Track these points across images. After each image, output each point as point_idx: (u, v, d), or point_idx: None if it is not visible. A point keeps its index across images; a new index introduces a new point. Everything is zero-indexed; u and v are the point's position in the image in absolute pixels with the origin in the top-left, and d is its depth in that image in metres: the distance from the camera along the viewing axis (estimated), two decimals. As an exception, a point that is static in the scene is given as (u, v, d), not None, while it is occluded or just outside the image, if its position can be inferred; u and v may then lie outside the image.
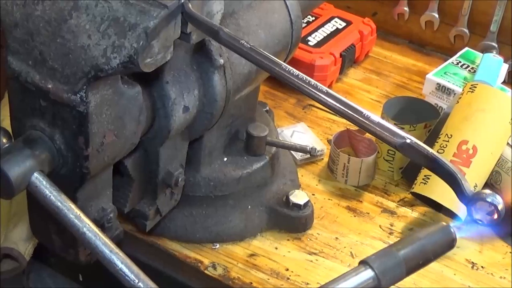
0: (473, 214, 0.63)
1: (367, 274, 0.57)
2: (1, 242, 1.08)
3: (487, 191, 0.63)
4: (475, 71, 1.28)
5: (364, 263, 0.58)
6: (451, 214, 1.06)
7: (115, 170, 0.82)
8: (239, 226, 1.05)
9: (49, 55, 0.71)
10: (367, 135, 1.18)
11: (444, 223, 0.60)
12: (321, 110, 1.31)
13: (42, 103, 0.73)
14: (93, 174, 0.76)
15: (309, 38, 1.39)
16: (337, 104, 0.69)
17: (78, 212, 0.70)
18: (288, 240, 1.06)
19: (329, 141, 1.23)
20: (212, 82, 0.87)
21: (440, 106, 1.26)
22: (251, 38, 0.93)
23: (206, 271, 1.00)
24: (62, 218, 0.70)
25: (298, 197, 1.06)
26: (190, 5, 0.73)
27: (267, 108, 1.22)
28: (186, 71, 0.85)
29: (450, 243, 0.60)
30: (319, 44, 1.38)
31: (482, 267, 1.04)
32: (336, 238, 1.07)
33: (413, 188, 1.10)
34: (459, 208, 1.04)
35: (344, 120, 0.69)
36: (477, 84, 1.13)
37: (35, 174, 0.72)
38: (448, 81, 1.26)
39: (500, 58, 1.28)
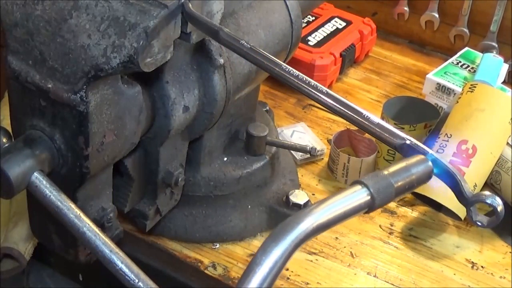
0: (473, 216, 0.63)
1: (363, 192, 0.61)
2: (1, 242, 1.08)
3: (487, 192, 0.63)
4: (475, 71, 1.28)
5: (359, 182, 0.62)
6: (451, 214, 1.06)
7: (115, 170, 0.82)
8: (239, 226, 1.05)
9: (49, 55, 0.71)
10: (367, 134, 1.18)
11: (423, 156, 0.64)
12: (321, 110, 1.32)
13: (42, 103, 0.73)
14: (93, 174, 0.76)
15: (309, 38, 1.39)
16: (337, 105, 0.69)
17: (78, 212, 0.70)
18: (288, 240, 1.06)
19: (329, 141, 1.23)
20: (212, 82, 0.87)
21: (440, 106, 1.26)
22: (251, 38, 0.93)
23: (206, 271, 1.00)
24: (62, 218, 0.70)
25: (298, 197, 1.06)
26: (190, 5, 0.73)
27: (267, 108, 1.22)
28: (186, 71, 0.85)
29: (429, 174, 0.64)
30: (319, 44, 1.38)
31: (482, 267, 1.04)
32: (336, 238, 1.07)
33: (413, 188, 1.10)
34: (459, 207, 1.04)
35: (344, 120, 0.69)
36: (476, 84, 1.13)
37: (35, 174, 0.72)
38: (448, 81, 1.26)
39: (500, 58, 1.29)
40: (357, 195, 0.61)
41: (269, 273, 0.56)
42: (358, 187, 0.61)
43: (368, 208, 0.62)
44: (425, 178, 0.64)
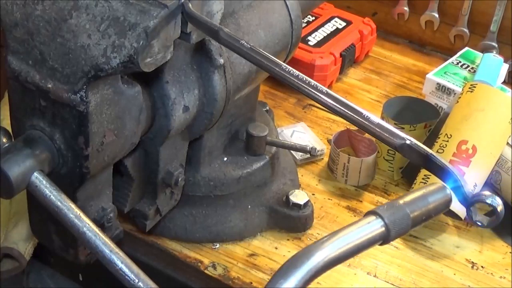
0: (473, 216, 0.63)
1: (378, 223, 0.59)
2: (1, 242, 1.08)
3: (487, 192, 0.63)
4: (475, 71, 1.28)
5: (373, 213, 0.59)
6: (451, 214, 1.06)
7: (115, 170, 0.82)
8: (239, 226, 1.05)
9: (49, 55, 0.71)
10: (367, 134, 1.18)
11: (441, 184, 0.62)
12: (321, 110, 1.32)
13: (42, 103, 0.73)
14: (93, 173, 0.76)
15: (309, 38, 1.39)
16: (337, 105, 0.69)
17: (78, 212, 0.70)
18: (288, 240, 1.06)
19: (329, 141, 1.23)
20: (212, 82, 0.87)
21: (440, 106, 1.26)
22: (251, 38, 0.93)
23: (206, 271, 1.00)
24: (62, 218, 0.70)
25: (298, 197, 1.06)
26: (190, 5, 0.73)
27: (267, 108, 1.22)
28: (186, 71, 0.85)
29: (447, 203, 0.62)
30: (319, 44, 1.38)
31: (482, 267, 1.04)
32: (336, 238, 1.07)
33: (413, 187, 1.10)
34: (458, 207, 1.04)
35: (344, 120, 0.69)
36: (476, 84, 1.13)
37: (35, 174, 0.72)
38: (448, 81, 1.26)
39: (500, 58, 1.28)
40: (371, 227, 0.59)
41: None
42: (372, 217, 0.59)
43: (382, 240, 0.59)
44: (443, 207, 0.61)
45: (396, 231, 0.59)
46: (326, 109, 0.70)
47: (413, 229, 0.61)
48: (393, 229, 0.59)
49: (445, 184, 0.62)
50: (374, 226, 0.59)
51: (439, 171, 0.64)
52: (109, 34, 0.69)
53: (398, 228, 0.59)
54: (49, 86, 0.72)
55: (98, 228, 0.70)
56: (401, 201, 0.60)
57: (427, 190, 0.62)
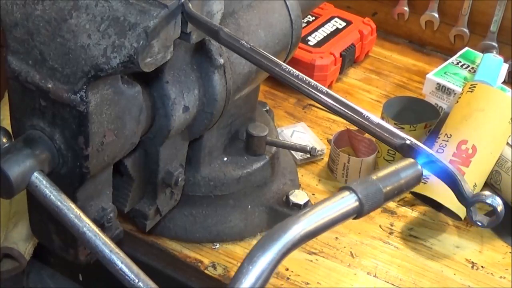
0: (473, 216, 0.63)
1: (351, 198, 0.61)
2: (1, 242, 1.08)
3: (487, 192, 0.63)
4: (475, 71, 1.28)
5: (347, 188, 0.61)
6: (451, 214, 1.06)
7: (115, 170, 0.82)
8: (239, 226, 1.05)
9: (49, 55, 0.71)
10: (367, 134, 1.18)
11: (413, 160, 0.64)
12: (321, 110, 1.32)
13: (42, 103, 0.73)
14: (93, 173, 0.76)
15: (309, 38, 1.39)
16: (337, 105, 0.69)
17: (78, 211, 0.70)
18: (288, 240, 1.06)
19: (329, 141, 1.23)
20: (212, 82, 0.87)
21: (440, 106, 1.26)
22: (251, 38, 0.93)
23: (206, 271, 1.00)
24: (62, 218, 0.70)
25: (298, 197, 1.06)
26: (190, 5, 0.73)
27: (267, 108, 1.22)
28: (186, 71, 0.85)
29: (418, 178, 0.64)
30: (319, 44, 1.38)
31: (482, 267, 1.04)
32: (336, 238, 1.07)
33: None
34: (459, 207, 1.04)
35: (344, 120, 0.69)
36: (476, 84, 1.13)
37: (35, 174, 0.72)
38: (448, 81, 1.26)
39: (500, 58, 1.29)
40: (345, 201, 0.61)
41: (256, 282, 0.55)
42: (346, 193, 0.61)
43: (356, 214, 0.61)
44: (414, 182, 0.63)
45: (369, 205, 0.61)
46: (326, 109, 0.70)
47: (386, 203, 0.63)
48: (366, 203, 0.60)
49: (415, 160, 0.64)
50: (348, 201, 0.61)
51: (439, 171, 0.65)
52: (109, 34, 0.69)
53: (371, 202, 0.61)
54: (49, 86, 0.72)
55: (98, 228, 0.70)
56: (373, 177, 0.62)
57: (398, 165, 0.63)
